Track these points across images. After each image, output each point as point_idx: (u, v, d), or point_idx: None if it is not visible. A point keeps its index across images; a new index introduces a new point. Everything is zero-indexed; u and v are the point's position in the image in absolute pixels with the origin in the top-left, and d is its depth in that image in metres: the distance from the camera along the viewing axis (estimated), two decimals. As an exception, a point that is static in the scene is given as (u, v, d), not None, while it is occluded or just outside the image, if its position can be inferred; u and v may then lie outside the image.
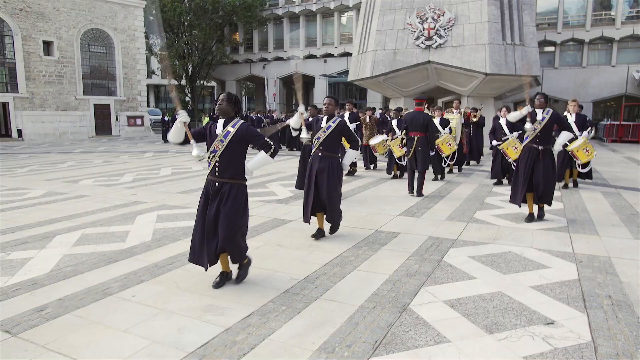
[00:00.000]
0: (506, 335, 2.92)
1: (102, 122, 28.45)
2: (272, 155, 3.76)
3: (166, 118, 22.60)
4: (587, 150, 8.18)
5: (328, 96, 5.36)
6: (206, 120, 25.55)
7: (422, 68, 20.18)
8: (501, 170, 9.15)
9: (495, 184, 9.19)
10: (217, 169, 3.62)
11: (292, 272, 4.09)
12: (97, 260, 4.50)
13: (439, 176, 9.77)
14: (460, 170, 11.16)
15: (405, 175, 9.07)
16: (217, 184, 3.62)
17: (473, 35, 18.54)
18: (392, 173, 10.18)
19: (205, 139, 3.74)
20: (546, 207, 6.20)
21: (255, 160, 3.78)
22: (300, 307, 3.35)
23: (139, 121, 29.92)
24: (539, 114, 5.74)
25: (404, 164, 9.62)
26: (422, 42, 19.59)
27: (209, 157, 3.67)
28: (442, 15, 19.09)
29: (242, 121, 3.71)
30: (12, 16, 23.57)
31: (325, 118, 5.24)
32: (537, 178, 5.80)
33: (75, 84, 26.61)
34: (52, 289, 3.79)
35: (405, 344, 2.82)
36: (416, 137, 7.82)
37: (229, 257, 3.79)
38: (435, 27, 19.18)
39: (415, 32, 19.70)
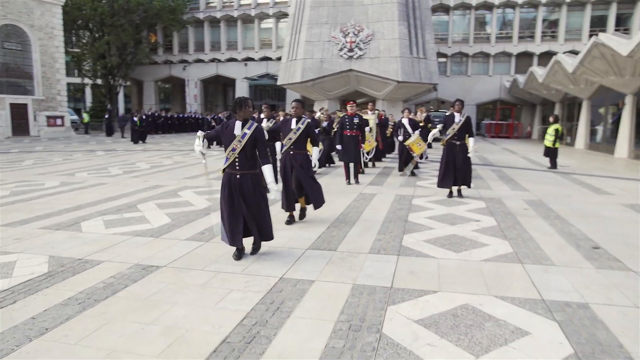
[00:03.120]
0: (458, 227, 5.96)
1: (19, 122, 27.49)
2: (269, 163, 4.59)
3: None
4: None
5: (295, 100, 6.04)
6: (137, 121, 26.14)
7: (345, 75, 23.56)
8: (405, 163, 10.60)
9: (401, 175, 10.73)
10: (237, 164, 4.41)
11: (331, 212, 6.76)
12: (197, 214, 6.70)
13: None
14: (374, 165, 12.62)
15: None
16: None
17: (387, 49, 22.32)
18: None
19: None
20: (465, 188, 8.07)
21: (267, 174, 4.53)
22: (351, 224, 6.07)
23: (59, 121, 29.27)
24: (457, 117, 7.53)
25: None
26: (344, 53, 22.93)
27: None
28: (362, 31, 22.60)
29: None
30: None
31: (294, 120, 5.97)
32: (458, 166, 7.52)
33: (-11, 82, 25.55)
34: (192, 225, 5.99)
35: (417, 230, 5.70)
36: (350, 135, 9.42)
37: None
38: (356, 40, 22.63)
39: (339, 44, 22.96)
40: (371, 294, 3.70)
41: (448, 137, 7.65)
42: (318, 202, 6.10)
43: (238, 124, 4.43)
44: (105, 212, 6.87)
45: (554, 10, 30.03)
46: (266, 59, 35.62)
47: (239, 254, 4.63)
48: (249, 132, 4.37)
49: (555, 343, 2.93)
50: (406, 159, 10.68)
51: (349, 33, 22.77)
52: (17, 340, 2.96)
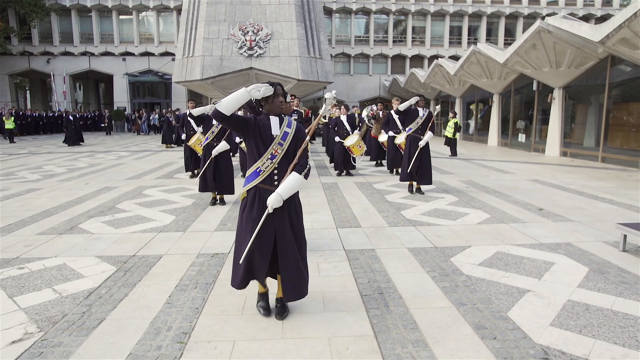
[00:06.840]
0: (432, 203, 7.24)
1: None
2: (306, 177, 3.19)
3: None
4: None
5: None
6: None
7: (245, 73, 23.82)
8: (343, 164, 10.03)
9: (338, 175, 10.24)
10: (275, 176, 3.12)
11: (318, 199, 7.51)
12: (195, 209, 6.86)
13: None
14: None
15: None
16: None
17: (287, 48, 23.24)
18: None
19: (255, 138, 3.12)
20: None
21: (289, 185, 3.07)
22: (346, 207, 6.92)
23: None
24: (420, 111, 7.58)
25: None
26: (245, 51, 23.22)
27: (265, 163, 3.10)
28: (261, 30, 23.14)
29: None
30: None
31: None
32: (420, 163, 7.62)
33: None
34: (203, 219, 6.22)
35: (405, 208, 6.80)
36: None
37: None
38: (255, 39, 23.08)
39: (238, 42, 23.16)
40: (427, 253, 4.66)
41: (411, 131, 7.76)
42: None
43: (275, 120, 3.15)
44: (91, 215, 6.61)
45: (421, 19, 34.19)
46: (148, 54, 33.68)
47: (266, 302, 3.36)
48: (290, 132, 3.16)
49: (574, 266, 4.26)
50: (344, 160, 10.05)
51: (248, 32, 23.11)
52: (185, 319, 3.23)
